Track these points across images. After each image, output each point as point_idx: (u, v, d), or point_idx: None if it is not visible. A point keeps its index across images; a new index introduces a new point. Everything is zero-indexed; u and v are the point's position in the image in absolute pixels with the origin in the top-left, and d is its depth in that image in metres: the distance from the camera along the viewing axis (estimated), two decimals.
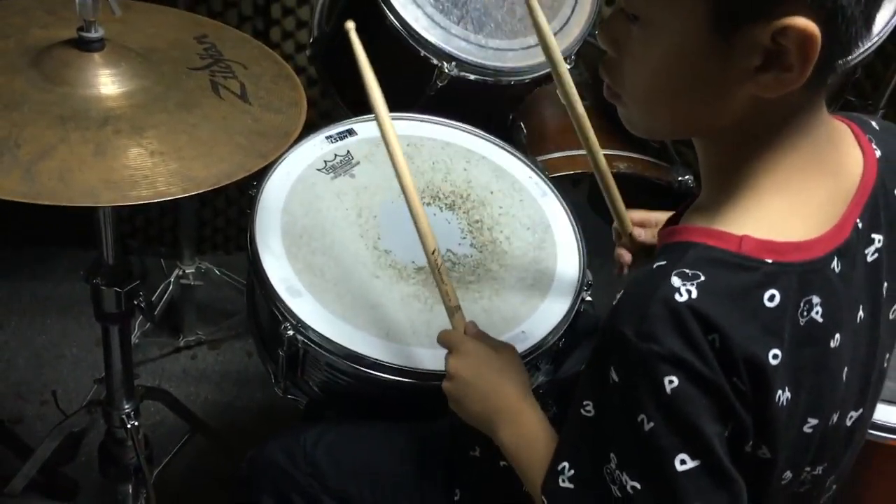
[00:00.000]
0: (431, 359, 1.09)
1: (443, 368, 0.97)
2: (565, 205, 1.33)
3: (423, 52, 1.33)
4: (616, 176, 1.59)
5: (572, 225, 1.31)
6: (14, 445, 1.60)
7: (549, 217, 1.31)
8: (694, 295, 0.63)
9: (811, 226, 0.69)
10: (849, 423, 0.77)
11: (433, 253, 1.00)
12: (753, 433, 0.67)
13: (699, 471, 0.65)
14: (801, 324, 0.67)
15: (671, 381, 0.63)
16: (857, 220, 0.71)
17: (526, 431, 0.88)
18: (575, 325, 1.20)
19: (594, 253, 1.29)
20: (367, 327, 1.11)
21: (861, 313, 0.73)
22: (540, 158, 1.60)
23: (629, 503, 0.67)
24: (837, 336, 0.70)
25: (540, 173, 1.37)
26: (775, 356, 0.65)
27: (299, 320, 1.09)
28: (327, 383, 1.17)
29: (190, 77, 1.00)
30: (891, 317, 0.78)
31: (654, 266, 0.68)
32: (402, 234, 1.23)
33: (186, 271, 1.96)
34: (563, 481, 0.73)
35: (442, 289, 1.00)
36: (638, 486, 0.66)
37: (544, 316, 1.18)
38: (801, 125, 0.69)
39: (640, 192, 1.68)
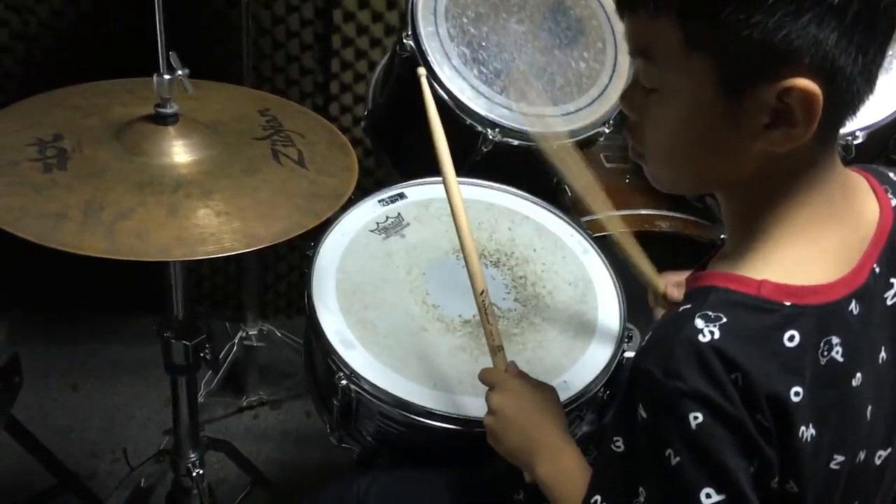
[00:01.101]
0: (477, 407, 1.13)
1: (482, 415, 1.03)
2: (606, 260, 1.39)
3: (468, 121, 1.42)
4: (658, 234, 1.66)
5: (613, 279, 1.36)
6: (88, 499, 1.68)
7: (590, 272, 1.37)
8: (717, 336, 0.67)
9: (828, 270, 0.73)
10: (878, 461, 0.79)
11: (482, 293, 1.06)
12: (780, 468, 0.70)
13: None
14: (823, 363, 0.70)
15: (696, 418, 0.67)
16: (875, 266, 0.75)
17: (563, 468, 0.93)
18: (617, 376, 1.24)
19: (639, 310, 1.33)
20: (416, 377, 1.17)
21: (883, 354, 0.76)
22: (584, 219, 1.66)
23: None
24: (858, 375, 0.73)
25: (582, 231, 1.43)
26: (797, 393, 0.68)
27: (352, 370, 1.16)
28: (379, 431, 1.23)
29: (253, 146, 1.10)
30: None
31: (680, 309, 0.72)
32: (448, 290, 1.30)
33: (250, 333, 2.05)
34: None
35: (487, 328, 1.06)
36: None
37: (586, 367, 1.23)
38: (814, 178, 0.73)
39: (683, 252, 1.72)
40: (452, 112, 1.42)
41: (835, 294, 0.72)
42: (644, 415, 0.70)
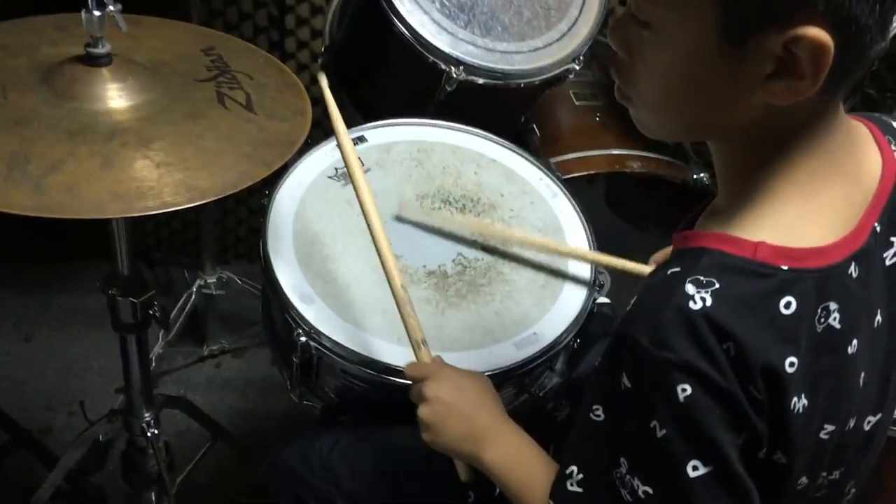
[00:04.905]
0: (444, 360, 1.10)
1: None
2: (576, 206, 1.33)
3: (431, 58, 1.34)
4: (631, 175, 1.60)
5: (584, 225, 1.30)
6: (43, 456, 1.63)
7: (560, 219, 1.31)
8: (709, 303, 0.63)
9: (828, 230, 0.68)
10: (867, 427, 0.76)
11: (402, 286, 1.03)
12: (769, 440, 0.66)
13: (711, 477, 0.64)
14: (819, 331, 0.66)
15: (684, 390, 0.63)
16: (876, 224, 0.70)
17: (515, 450, 0.88)
18: (588, 326, 1.20)
19: (612, 252, 1.28)
20: (378, 332, 1.12)
21: (879, 318, 0.72)
22: (553, 160, 1.60)
23: None
24: (855, 342, 0.69)
25: (551, 175, 1.37)
26: (791, 364, 0.64)
27: (312, 326, 1.10)
28: (341, 388, 1.18)
29: (196, 89, 1.02)
30: None
31: (668, 272, 0.67)
32: (412, 239, 1.24)
33: (208, 281, 1.98)
34: (572, 485, 0.73)
35: (409, 322, 1.02)
36: (650, 490, 0.66)
37: (556, 317, 1.18)
38: (817, 130, 0.68)
39: (656, 192, 1.68)
40: (413, 49, 1.34)
41: (835, 256, 0.67)
42: (628, 384, 0.66)
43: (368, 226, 1.08)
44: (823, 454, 0.71)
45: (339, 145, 1.17)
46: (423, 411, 0.93)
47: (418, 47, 1.33)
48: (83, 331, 2.06)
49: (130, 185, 0.86)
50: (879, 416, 0.76)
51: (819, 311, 0.66)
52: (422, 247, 1.23)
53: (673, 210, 1.55)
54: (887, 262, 0.72)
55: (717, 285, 0.63)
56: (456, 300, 1.18)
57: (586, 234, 1.29)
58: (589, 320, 1.20)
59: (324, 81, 1.32)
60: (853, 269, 0.68)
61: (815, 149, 0.68)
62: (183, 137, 0.94)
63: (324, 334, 1.10)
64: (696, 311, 0.63)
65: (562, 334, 1.15)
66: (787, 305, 0.64)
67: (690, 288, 0.63)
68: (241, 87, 1.03)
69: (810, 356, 0.65)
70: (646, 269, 1.22)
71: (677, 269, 0.66)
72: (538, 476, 0.81)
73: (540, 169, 1.38)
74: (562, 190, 1.35)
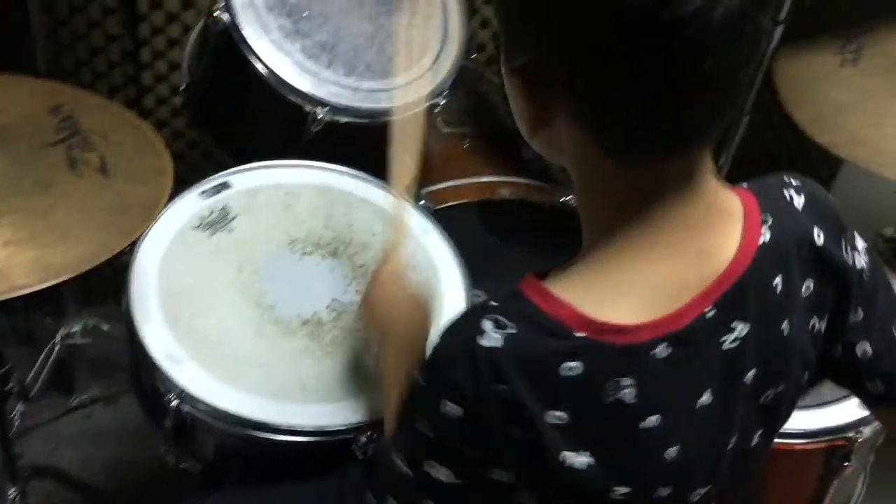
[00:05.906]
0: (324, 415, 1.09)
1: (335, 424, 1.06)
2: (448, 240, 1.34)
3: (295, 100, 1.32)
4: (501, 202, 1.63)
5: (456, 260, 1.31)
6: None
7: (432, 255, 1.31)
8: (498, 345, 0.66)
9: (639, 309, 0.68)
10: (695, 498, 0.77)
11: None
12: (538, 485, 0.70)
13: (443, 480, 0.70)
14: (606, 401, 0.68)
15: (446, 406, 0.67)
16: (708, 309, 0.70)
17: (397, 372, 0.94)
18: None
19: (487, 276, 1.29)
20: (254, 389, 1.09)
21: (706, 398, 0.73)
22: (425, 190, 1.60)
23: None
24: (653, 418, 0.70)
25: (422, 211, 1.38)
26: (559, 418, 0.67)
27: (182, 390, 1.07)
28: (220, 449, 1.14)
29: (45, 154, 0.97)
30: (762, 401, 0.78)
31: (487, 301, 0.70)
32: (285, 288, 1.21)
33: (73, 330, 1.89)
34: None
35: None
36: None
37: None
38: (646, 206, 0.69)
39: (527, 215, 1.71)
40: (276, 91, 1.31)
41: (639, 336, 0.68)
42: (420, 380, 0.72)
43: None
44: None
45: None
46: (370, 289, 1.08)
47: (281, 90, 1.31)
48: None
49: None
50: (709, 487, 0.78)
51: (608, 382, 0.67)
52: (295, 294, 1.21)
53: (543, 230, 1.59)
54: (724, 347, 0.72)
55: (514, 331, 0.66)
56: (332, 348, 1.17)
57: (459, 272, 1.30)
58: None
59: None
60: (661, 350, 0.69)
61: (645, 226, 0.69)
62: (33, 211, 0.89)
63: (195, 397, 1.06)
64: (484, 347, 0.66)
65: None
66: (570, 369, 0.66)
67: (488, 325, 0.67)
68: (94, 149, 0.98)
69: (590, 420, 0.68)
70: None
71: (493, 304, 0.69)
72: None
73: (411, 206, 1.38)
74: (433, 225, 1.36)
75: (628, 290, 0.69)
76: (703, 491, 0.78)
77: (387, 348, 1.02)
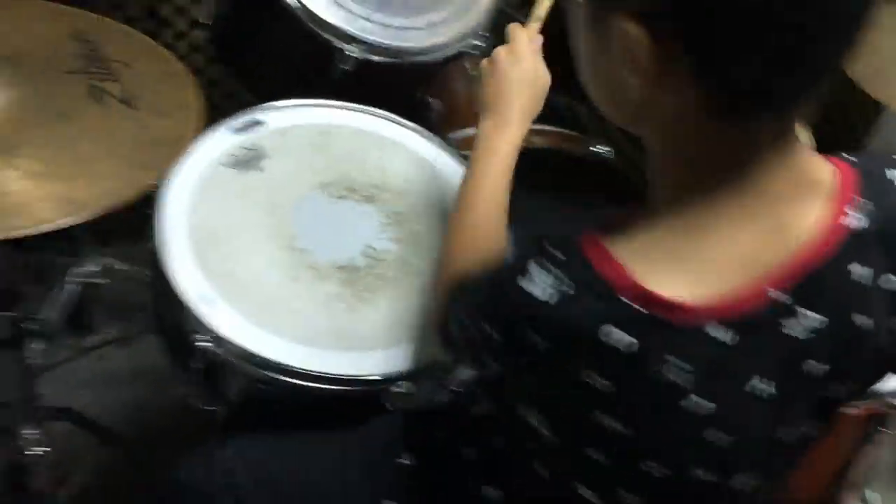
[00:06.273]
0: (356, 363, 1.06)
1: (367, 373, 1.04)
2: None
3: (324, 35, 1.26)
4: (531, 150, 1.58)
5: None
6: None
7: None
8: (553, 301, 0.64)
9: (703, 285, 0.65)
10: (736, 485, 0.74)
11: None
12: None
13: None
14: (649, 374, 0.64)
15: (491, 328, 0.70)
16: (777, 293, 0.66)
17: (490, 190, 1.03)
18: None
19: (517, 224, 1.25)
20: (287, 333, 1.06)
21: (759, 383, 0.68)
22: (452, 136, 1.55)
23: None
24: (694, 398, 0.66)
25: (459, 157, 1.32)
26: (594, 380, 0.65)
27: (214, 331, 1.03)
28: (247, 393, 1.11)
29: (65, 83, 0.91)
30: (824, 395, 0.74)
31: (548, 247, 0.67)
32: (319, 232, 1.17)
33: (88, 269, 1.85)
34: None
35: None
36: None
37: None
38: (721, 169, 0.65)
39: (558, 165, 1.66)
40: (305, 25, 1.25)
41: (695, 315, 0.64)
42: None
43: None
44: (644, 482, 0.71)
45: None
46: (485, 62, 1.09)
47: (311, 24, 1.25)
48: None
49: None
50: (752, 475, 0.75)
51: (652, 357, 0.64)
52: (330, 240, 1.17)
53: (573, 179, 1.55)
54: (789, 334, 0.68)
55: (572, 293, 0.64)
56: (368, 295, 1.13)
57: None
58: None
59: None
60: (718, 332, 0.65)
61: (730, 192, 0.65)
62: (54, 142, 0.83)
63: (228, 339, 1.03)
64: (525, 290, 0.65)
65: None
66: (613, 337, 0.63)
67: (534, 269, 0.65)
68: (117, 79, 0.92)
69: (627, 391, 0.66)
70: None
71: (557, 255, 0.66)
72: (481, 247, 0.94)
73: (444, 150, 1.33)
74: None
75: (694, 264, 0.66)
76: (745, 478, 0.74)
77: (499, 122, 1.05)
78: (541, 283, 0.64)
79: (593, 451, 0.71)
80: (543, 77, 1.08)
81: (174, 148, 0.89)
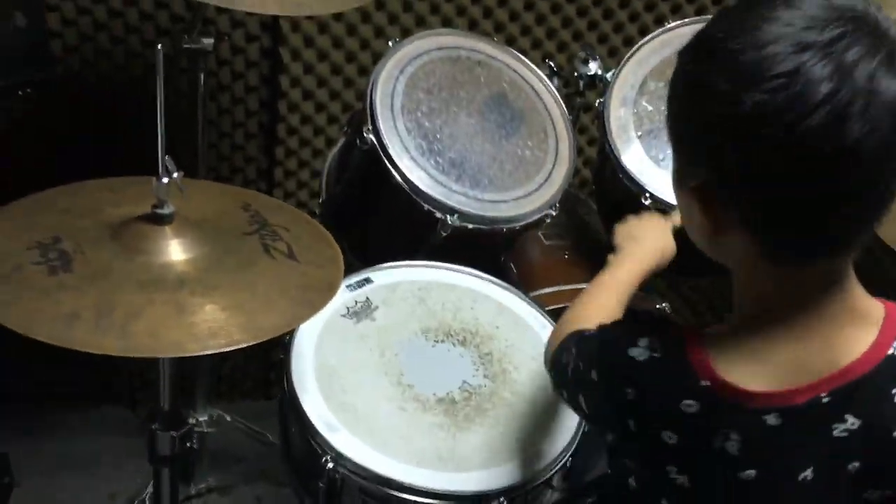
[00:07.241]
0: (458, 483, 1.22)
1: (467, 490, 1.21)
2: None
3: (427, 207, 1.51)
4: None
5: None
6: None
7: None
8: (642, 358, 0.85)
9: (764, 379, 0.81)
10: None
11: None
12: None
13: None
14: (714, 445, 0.82)
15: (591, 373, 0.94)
16: (823, 395, 0.80)
17: (610, 290, 1.22)
18: (581, 443, 1.33)
19: None
20: (398, 455, 1.24)
21: (808, 473, 0.83)
22: (530, 295, 1.76)
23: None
24: (752, 472, 0.83)
25: (537, 308, 1.53)
26: (669, 437, 0.84)
27: (339, 453, 1.21)
28: None
29: (243, 241, 1.16)
30: (867, 497, 0.85)
31: (651, 331, 0.88)
32: (421, 370, 1.37)
33: (200, 419, 2.05)
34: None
35: None
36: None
37: (556, 436, 1.31)
38: (787, 299, 0.82)
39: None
40: (413, 200, 1.51)
41: (754, 401, 0.81)
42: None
43: None
44: None
45: None
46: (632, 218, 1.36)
47: (417, 198, 1.51)
48: (70, 475, 2.07)
49: (203, 326, 0.99)
50: None
51: (719, 431, 0.82)
52: (430, 375, 1.37)
53: None
54: (834, 434, 0.81)
55: (658, 355, 0.85)
56: (465, 424, 1.31)
57: None
58: (583, 438, 1.33)
59: None
60: (772, 418, 0.81)
61: (787, 315, 0.82)
62: (239, 284, 1.07)
63: (349, 459, 1.21)
64: (628, 354, 0.86)
65: (561, 452, 1.28)
66: (689, 406, 0.82)
67: (643, 341, 0.86)
68: (282, 238, 1.18)
69: (693, 453, 0.85)
70: None
71: (662, 339, 0.87)
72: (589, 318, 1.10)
73: (527, 303, 1.54)
74: (549, 321, 1.51)
75: (759, 362, 0.83)
76: None
77: (626, 253, 1.27)
78: (643, 348, 0.85)
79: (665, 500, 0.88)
80: (670, 245, 1.29)
81: (328, 292, 1.11)
